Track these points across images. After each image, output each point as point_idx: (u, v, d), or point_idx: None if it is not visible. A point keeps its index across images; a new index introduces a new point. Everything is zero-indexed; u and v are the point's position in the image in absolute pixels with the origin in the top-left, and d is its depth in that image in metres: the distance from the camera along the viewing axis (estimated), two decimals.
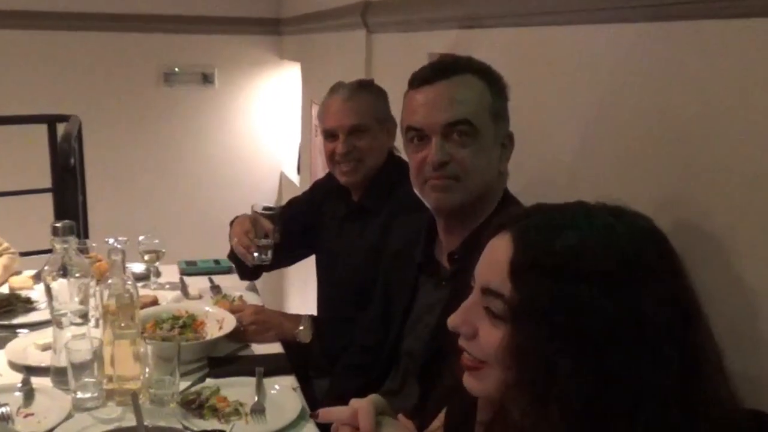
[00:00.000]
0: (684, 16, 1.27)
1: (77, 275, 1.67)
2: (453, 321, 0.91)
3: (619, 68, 1.53)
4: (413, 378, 1.58)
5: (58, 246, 1.67)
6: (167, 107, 4.52)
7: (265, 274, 2.39)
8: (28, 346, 1.85)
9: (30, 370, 1.72)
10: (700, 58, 1.24)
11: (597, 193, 0.93)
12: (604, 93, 1.56)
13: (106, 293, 1.64)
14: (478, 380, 0.90)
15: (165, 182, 4.56)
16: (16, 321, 2.03)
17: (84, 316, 1.67)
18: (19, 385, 1.64)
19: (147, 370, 1.63)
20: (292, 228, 2.20)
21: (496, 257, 0.88)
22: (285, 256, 2.27)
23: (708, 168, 1.21)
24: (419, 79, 1.48)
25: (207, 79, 4.58)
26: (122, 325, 1.62)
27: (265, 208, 2.10)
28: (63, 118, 3.17)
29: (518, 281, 0.84)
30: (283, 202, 2.56)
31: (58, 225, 1.66)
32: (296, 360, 1.93)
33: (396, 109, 2.16)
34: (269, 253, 2.08)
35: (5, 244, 2.32)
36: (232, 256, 2.26)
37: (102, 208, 3.66)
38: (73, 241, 1.68)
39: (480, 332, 0.88)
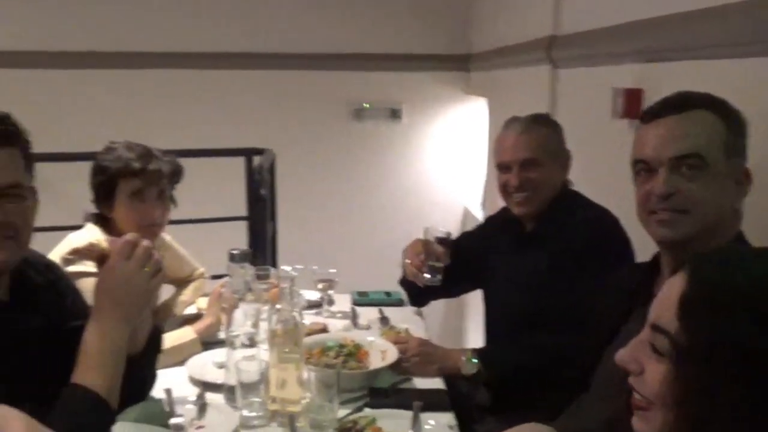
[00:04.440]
0: None
1: (250, 300, 1.78)
2: (621, 356, 0.90)
3: None
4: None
5: (234, 272, 1.79)
6: (356, 142, 4.70)
7: (442, 310, 2.40)
8: (206, 363, 1.98)
9: (206, 386, 1.85)
10: None
11: None
12: None
13: (274, 318, 1.73)
14: (645, 422, 0.89)
15: (349, 214, 4.73)
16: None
17: (253, 339, 1.76)
18: (194, 398, 1.76)
19: (309, 394, 1.69)
20: (461, 260, 2.25)
21: (669, 293, 0.87)
22: (451, 287, 2.31)
23: None
24: (650, 114, 1.48)
25: (395, 114, 4.72)
26: (286, 350, 1.70)
27: (439, 233, 2.19)
28: (259, 151, 3.42)
29: (686, 317, 0.83)
30: None
31: (234, 252, 1.78)
32: (459, 401, 1.94)
33: (575, 143, 2.14)
34: (439, 275, 2.16)
35: (200, 270, 2.52)
36: (404, 281, 2.34)
37: (291, 237, 3.86)
38: (248, 267, 1.79)
39: (646, 369, 0.88)
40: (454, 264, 2.21)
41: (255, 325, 1.80)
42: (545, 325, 2.00)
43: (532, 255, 2.10)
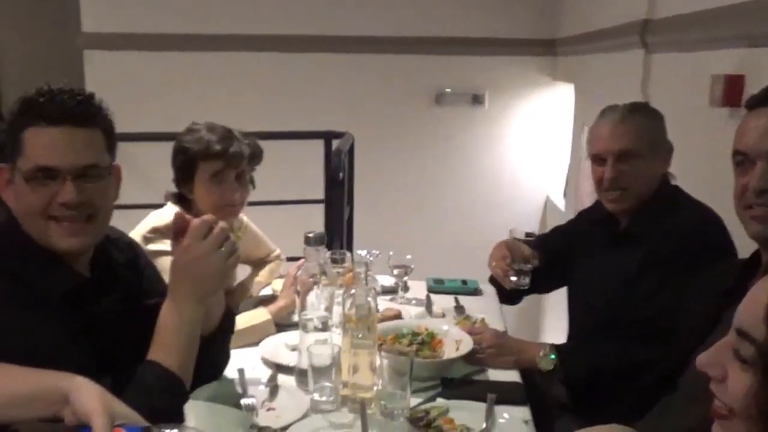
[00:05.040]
0: None
1: (324, 283, 1.76)
2: (702, 360, 0.86)
3: None
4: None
5: (310, 254, 1.78)
6: (437, 127, 4.63)
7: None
8: (280, 345, 1.98)
9: (278, 368, 1.85)
10: None
11: None
12: None
13: (348, 303, 1.71)
14: (725, 431, 0.84)
15: (427, 199, 4.68)
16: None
17: (326, 323, 1.75)
18: (266, 380, 1.76)
19: (380, 381, 1.66)
20: (550, 257, 2.19)
21: (757, 297, 0.82)
22: (541, 282, 2.26)
23: None
24: (755, 101, 1.39)
25: (477, 100, 4.62)
26: (359, 335, 1.68)
27: (525, 234, 2.14)
28: (338, 135, 3.41)
29: None
30: (547, 227, 2.53)
31: (310, 235, 1.77)
32: (535, 396, 1.88)
33: (669, 133, 2.04)
34: (527, 278, 2.12)
35: (277, 251, 2.54)
36: (493, 279, 2.30)
37: (367, 221, 3.84)
38: (323, 250, 1.78)
39: (729, 376, 0.83)
40: (544, 260, 2.15)
41: (329, 309, 1.79)
42: (631, 328, 1.90)
43: (624, 254, 1.99)
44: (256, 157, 2.18)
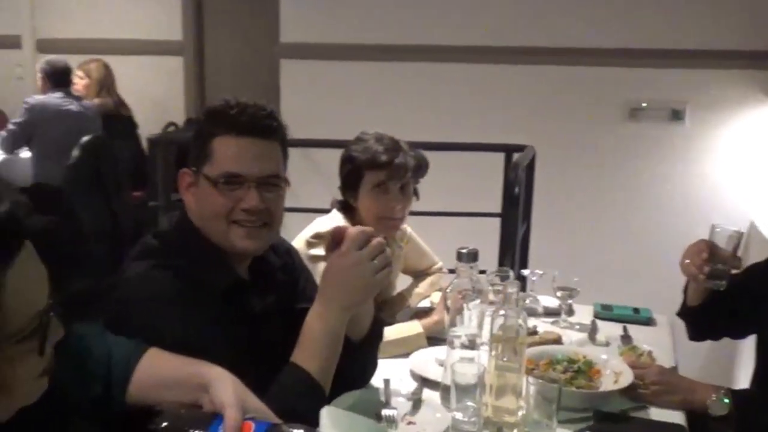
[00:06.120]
0: None
1: (476, 301, 1.73)
2: None
3: None
4: None
5: (462, 270, 1.76)
6: (629, 144, 4.34)
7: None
8: (429, 359, 1.97)
9: (425, 382, 1.84)
10: None
11: None
12: None
13: (497, 323, 1.66)
14: None
15: (609, 220, 4.39)
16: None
17: (474, 341, 1.71)
18: (411, 392, 1.76)
19: (526, 407, 1.60)
20: (747, 297, 1.99)
21: None
22: (735, 326, 2.10)
23: None
24: None
25: (677, 115, 4.30)
26: (505, 358, 1.63)
27: (730, 232, 1.95)
28: (519, 148, 3.34)
29: None
30: (750, 256, 2.28)
31: (462, 251, 1.74)
32: None
33: None
34: (723, 280, 1.91)
35: (439, 264, 2.53)
36: (684, 311, 2.14)
37: (543, 239, 3.70)
38: (475, 267, 1.75)
39: None
40: (740, 301, 1.98)
41: (480, 327, 1.75)
42: None
43: None
44: (420, 169, 2.19)
